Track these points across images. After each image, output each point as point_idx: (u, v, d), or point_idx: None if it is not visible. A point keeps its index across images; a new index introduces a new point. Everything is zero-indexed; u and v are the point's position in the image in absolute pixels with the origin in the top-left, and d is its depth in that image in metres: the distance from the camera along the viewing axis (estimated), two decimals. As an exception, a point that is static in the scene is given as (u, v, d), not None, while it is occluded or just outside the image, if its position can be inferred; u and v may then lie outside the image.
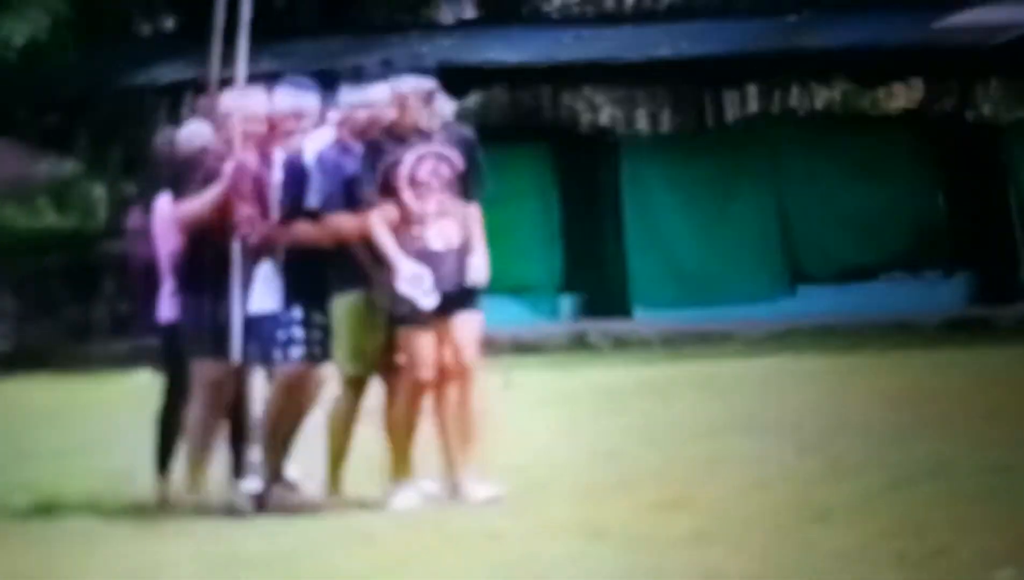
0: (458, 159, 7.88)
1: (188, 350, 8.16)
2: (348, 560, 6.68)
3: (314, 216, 7.84)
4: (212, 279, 8.04)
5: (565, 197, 21.93)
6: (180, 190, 8.20)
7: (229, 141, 8.06)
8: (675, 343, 18.72)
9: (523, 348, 18.05)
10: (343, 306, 7.79)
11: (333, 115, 8.06)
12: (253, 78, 8.32)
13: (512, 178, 18.03)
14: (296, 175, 7.90)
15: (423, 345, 7.72)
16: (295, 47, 21.77)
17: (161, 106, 23.58)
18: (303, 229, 7.85)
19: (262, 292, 7.99)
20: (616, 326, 20.41)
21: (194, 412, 8.20)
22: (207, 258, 8.07)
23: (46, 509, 8.49)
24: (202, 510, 8.02)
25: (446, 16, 27.91)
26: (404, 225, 7.72)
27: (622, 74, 23.83)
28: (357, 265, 7.76)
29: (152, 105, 23.79)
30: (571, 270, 21.63)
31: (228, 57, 8.29)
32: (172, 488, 8.37)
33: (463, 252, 7.85)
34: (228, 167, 7.97)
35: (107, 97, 23.34)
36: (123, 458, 9.74)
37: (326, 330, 7.87)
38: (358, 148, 7.84)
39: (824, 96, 27.73)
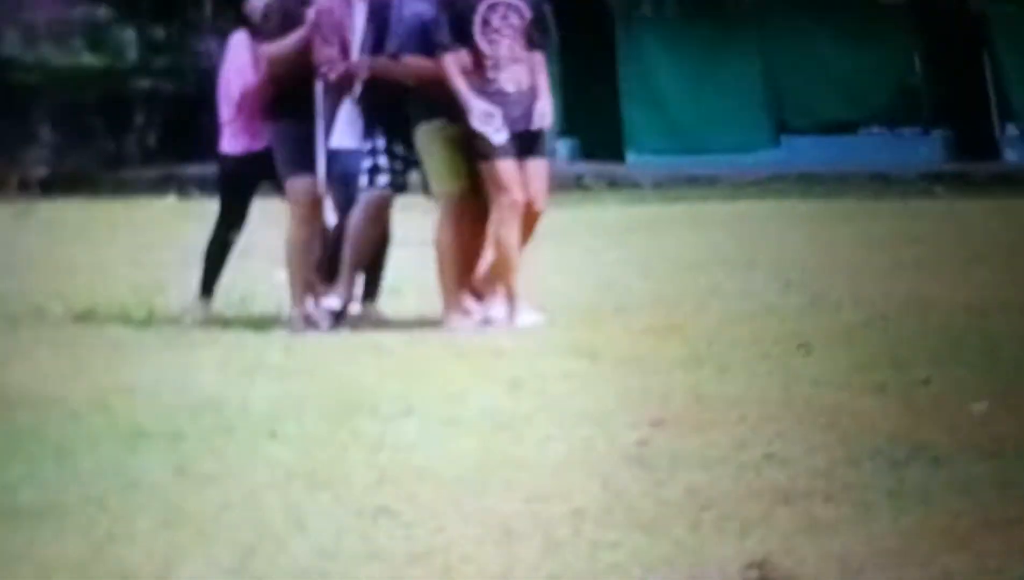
0: (526, 9, 7.83)
1: (282, 171, 8.08)
2: (361, 369, 6.74)
3: (393, 59, 7.87)
4: (298, 112, 8.04)
5: (564, 49, 21.59)
6: (265, 31, 8.19)
7: None
8: (665, 186, 18.64)
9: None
10: (429, 133, 7.82)
11: None
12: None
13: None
14: (377, 21, 7.95)
15: (506, 170, 7.72)
16: None
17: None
18: (383, 67, 7.88)
19: (344, 129, 8.01)
20: (610, 169, 20.34)
21: (294, 231, 8.11)
22: (292, 93, 8.06)
23: (80, 317, 8.57)
24: (278, 323, 8.10)
25: None
26: (477, 68, 7.71)
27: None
28: (436, 99, 7.73)
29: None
30: (569, 115, 21.29)
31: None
32: (211, 308, 8.40)
33: (531, 96, 7.83)
34: (311, 11, 8.00)
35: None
36: (151, 273, 9.94)
37: (407, 161, 7.99)
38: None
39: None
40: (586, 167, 20.42)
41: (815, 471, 4.78)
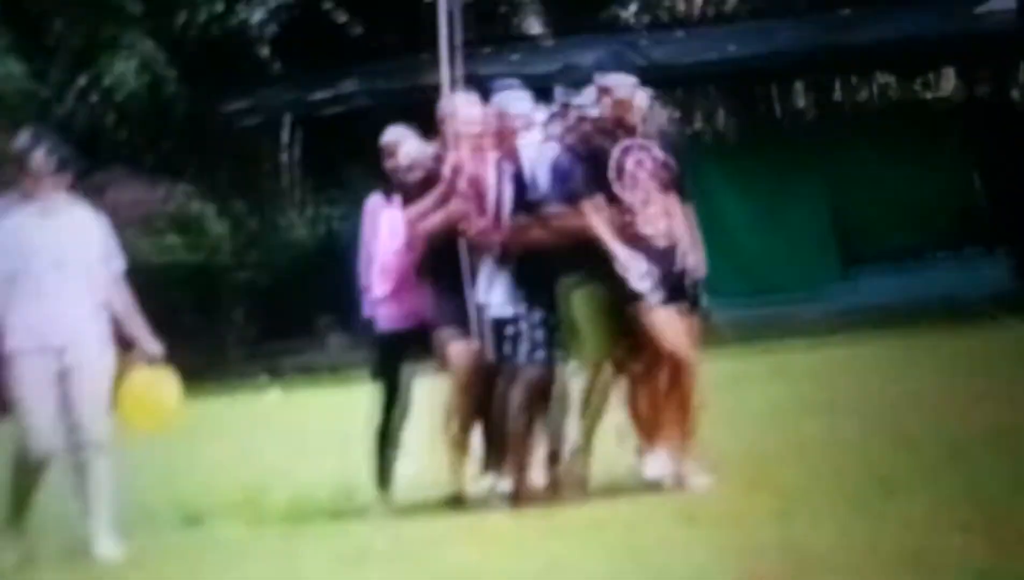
0: (660, 152, 7.63)
1: (443, 338, 7.78)
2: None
3: (532, 212, 7.64)
4: (448, 273, 7.81)
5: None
6: (404, 194, 8.04)
7: (446, 145, 7.90)
8: (741, 331, 18.36)
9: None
10: (581, 298, 7.55)
11: (545, 116, 7.94)
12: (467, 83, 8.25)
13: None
14: (515, 175, 7.76)
15: (664, 321, 7.37)
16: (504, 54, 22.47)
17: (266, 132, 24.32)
18: (527, 228, 7.66)
19: (488, 288, 7.74)
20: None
21: (454, 398, 7.81)
22: (441, 255, 7.85)
23: (190, 520, 8.42)
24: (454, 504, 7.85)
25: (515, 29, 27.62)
26: (616, 214, 7.45)
27: (680, 76, 23.77)
28: (585, 258, 7.44)
29: (253, 130, 24.31)
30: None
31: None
32: (392, 499, 8.10)
33: (675, 242, 7.59)
34: (447, 169, 7.84)
35: (217, 122, 23.37)
36: (259, 471, 9.81)
37: (559, 329, 7.67)
38: (571, 146, 7.72)
39: (868, 88, 27.81)
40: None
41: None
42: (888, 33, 22.17)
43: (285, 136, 24.95)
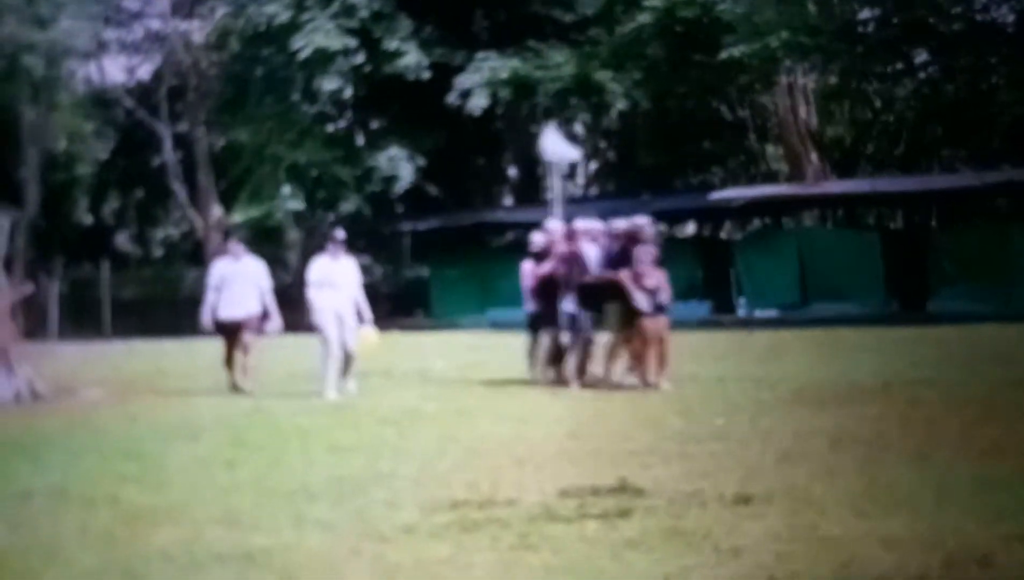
0: (655, 250, 15.76)
1: (541, 325, 16.45)
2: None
3: (586, 273, 15.92)
4: (551, 295, 16.01)
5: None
6: (539, 259, 16.58)
7: (557, 240, 16.45)
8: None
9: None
10: (612, 308, 15.63)
11: (605, 229, 16.33)
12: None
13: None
14: (590, 257, 15.98)
15: (649, 324, 15.36)
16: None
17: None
18: (590, 279, 15.81)
19: (570, 303, 15.83)
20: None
21: (544, 344, 16.49)
22: (550, 287, 16.06)
23: None
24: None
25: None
26: (637, 277, 15.48)
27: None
28: (615, 293, 15.46)
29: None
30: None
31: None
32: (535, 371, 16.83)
33: (660, 289, 15.50)
34: (558, 250, 16.24)
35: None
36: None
37: (598, 320, 15.93)
38: (616, 245, 15.91)
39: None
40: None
41: None
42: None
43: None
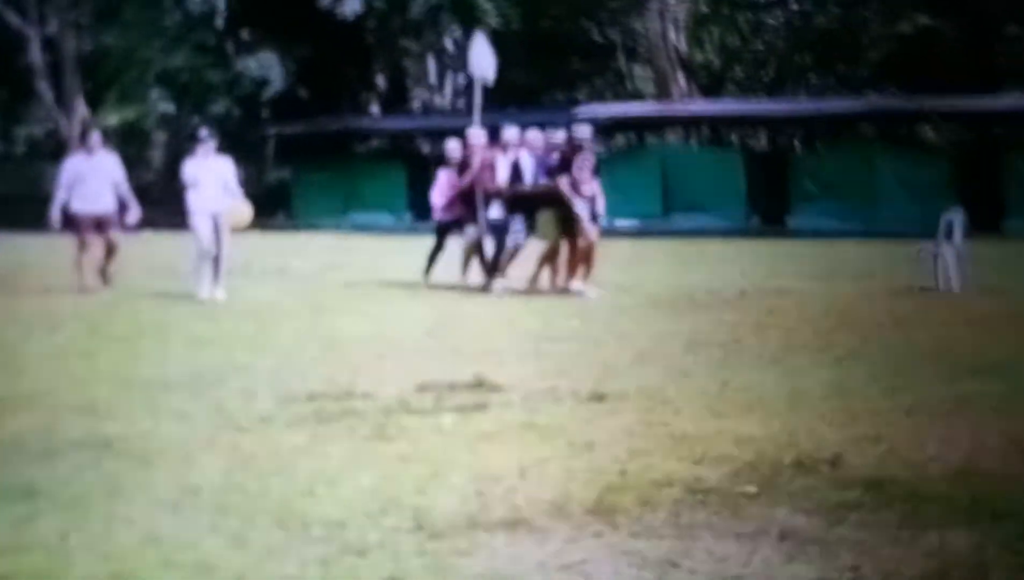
0: (592, 158, 15.53)
1: (462, 226, 15.97)
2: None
3: (518, 182, 15.47)
4: (470, 203, 15.72)
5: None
6: (460, 169, 15.98)
7: (475, 149, 15.83)
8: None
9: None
10: (545, 216, 15.29)
11: (531, 139, 15.85)
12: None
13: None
14: (513, 165, 15.56)
15: (587, 226, 15.06)
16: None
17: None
18: (518, 188, 15.40)
19: (495, 210, 15.54)
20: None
21: (465, 248, 16.04)
22: (468, 196, 15.74)
23: None
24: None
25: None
26: (575, 185, 15.12)
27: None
28: (549, 200, 15.15)
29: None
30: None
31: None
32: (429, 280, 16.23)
33: (595, 198, 15.31)
34: (476, 160, 15.69)
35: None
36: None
37: (531, 226, 15.57)
38: (553, 155, 15.51)
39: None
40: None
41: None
42: None
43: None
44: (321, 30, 40.26)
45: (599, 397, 7.59)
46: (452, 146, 16.55)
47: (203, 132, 15.29)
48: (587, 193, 15.17)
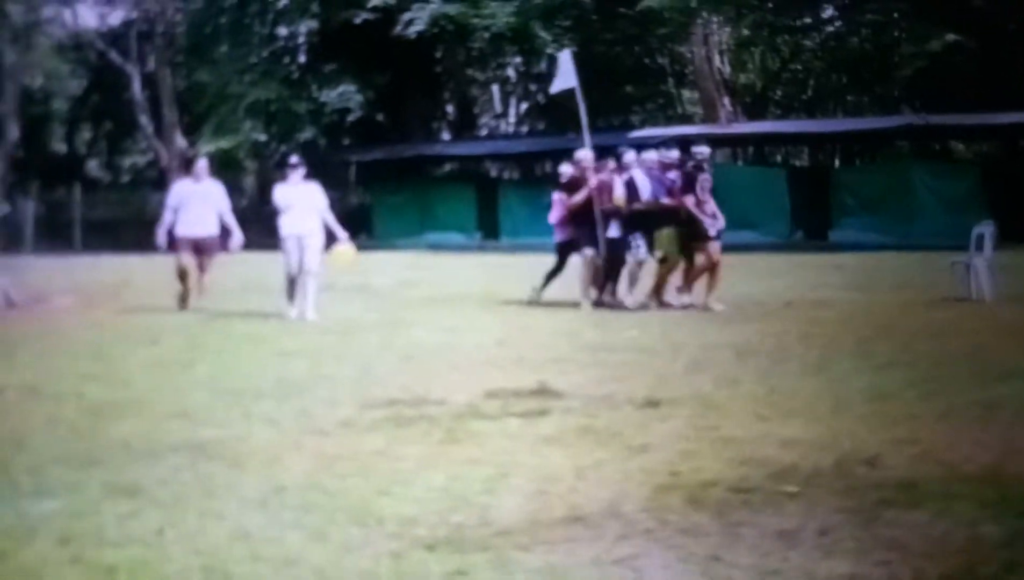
0: (710, 178, 15.04)
1: (579, 247, 15.28)
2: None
3: (633, 201, 14.92)
4: (581, 224, 15.22)
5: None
6: (570, 190, 15.44)
7: (588, 170, 15.34)
8: None
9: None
10: (666, 233, 14.83)
11: (647, 159, 15.31)
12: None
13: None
14: (631, 185, 15.00)
15: (714, 247, 14.73)
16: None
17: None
18: (640, 207, 14.89)
19: (613, 229, 15.03)
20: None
21: (584, 269, 15.24)
22: (579, 217, 15.25)
23: None
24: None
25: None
26: (699, 204, 14.76)
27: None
28: (668, 217, 14.81)
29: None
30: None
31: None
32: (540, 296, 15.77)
33: (716, 216, 14.83)
34: (593, 180, 15.21)
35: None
36: None
37: (650, 243, 14.96)
38: (668, 174, 15.08)
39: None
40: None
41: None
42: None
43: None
44: (395, 61, 40.51)
45: (653, 403, 7.57)
46: (564, 169, 15.89)
47: (294, 159, 14.87)
48: (708, 211, 14.74)
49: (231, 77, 40.84)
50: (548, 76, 46.33)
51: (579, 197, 15.18)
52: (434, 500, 5.27)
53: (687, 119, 43.51)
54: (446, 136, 48.20)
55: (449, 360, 9.96)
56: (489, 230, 37.36)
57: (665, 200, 14.93)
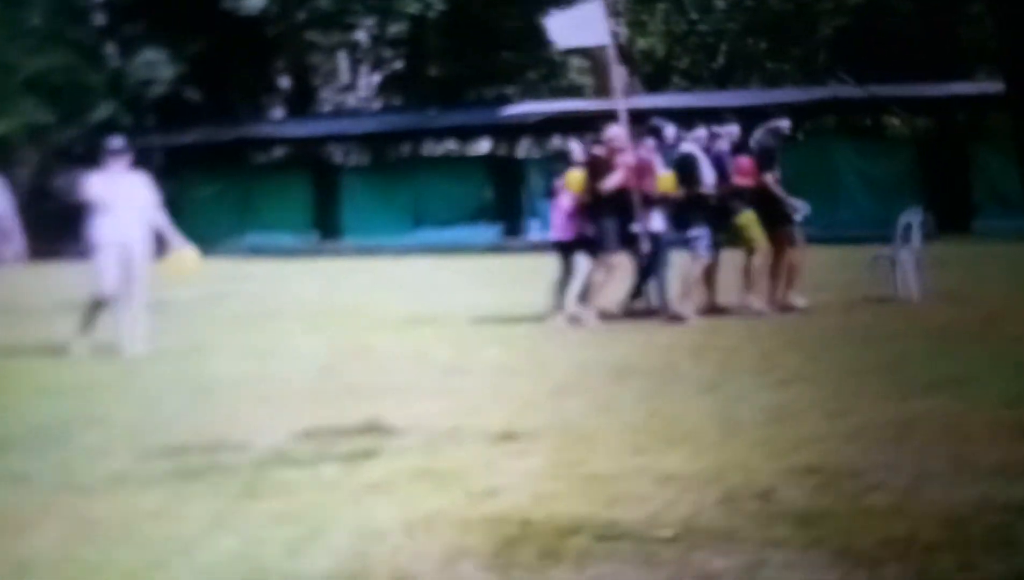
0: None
1: (603, 247, 14.16)
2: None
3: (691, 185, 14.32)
4: (617, 211, 14.10)
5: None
6: (598, 171, 14.20)
7: (620, 147, 14.28)
8: None
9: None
10: (746, 218, 14.44)
11: (697, 136, 14.83)
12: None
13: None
14: (688, 164, 14.38)
15: (797, 233, 14.67)
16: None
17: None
18: (716, 189, 14.40)
19: (657, 219, 14.16)
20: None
21: (599, 276, 14.23)
22: (612, 206, 14.09)
23: None
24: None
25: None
26: (776, 183, 14.59)
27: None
28: (750, 199, 14.48)
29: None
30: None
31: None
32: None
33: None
34: (625, 159, 14.18)
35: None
36: None
37: (717, 241, 14.54)
38: (722, 150, 14.66)
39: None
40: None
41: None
42: None
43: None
44: (215, 22, 39.68)
45: (509, 436, 7.56)
46: (575, 147, 14.96)
47: (116, 142, 13.43)
48: (778, 192, 14.64)
49: (2, 43, 39.80)
50: (407, 42, 46.24)
51: (613, 181, 14.12)
52: (224, 570, 5.18)
53: (576, 91, 43.56)
54: (278, 114, 47.56)
55: (257, 393, 9.85)
56: (328, 229, 37.08)
57: (739, 180, 14.55)
